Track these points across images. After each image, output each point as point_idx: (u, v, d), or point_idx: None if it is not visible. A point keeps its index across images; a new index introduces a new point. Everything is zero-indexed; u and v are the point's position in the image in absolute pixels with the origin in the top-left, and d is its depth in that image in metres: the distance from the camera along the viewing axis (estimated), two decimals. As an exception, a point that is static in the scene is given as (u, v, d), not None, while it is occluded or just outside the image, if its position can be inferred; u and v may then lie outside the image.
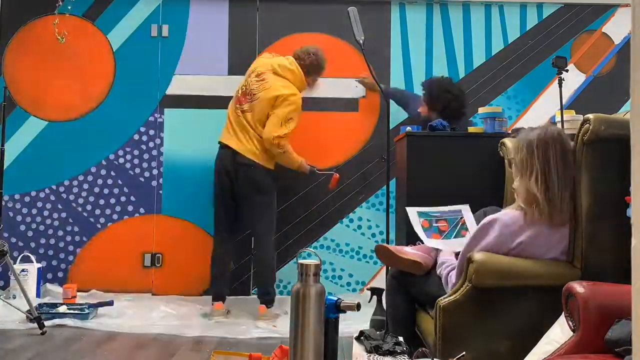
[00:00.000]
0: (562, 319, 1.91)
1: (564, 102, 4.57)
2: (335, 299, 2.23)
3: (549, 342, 1.90)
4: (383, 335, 2.95)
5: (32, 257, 4.17)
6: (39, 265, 4.17)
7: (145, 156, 4.54)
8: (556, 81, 4.61)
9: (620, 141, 1.99)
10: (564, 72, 3.01)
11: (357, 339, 2.99)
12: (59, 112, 4.55)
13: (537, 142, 2.24)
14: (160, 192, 4.52)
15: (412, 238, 2.90)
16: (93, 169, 4.53)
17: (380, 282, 4.43)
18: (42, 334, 3.21)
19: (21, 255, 4.22)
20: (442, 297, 2.23)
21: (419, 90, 4.31)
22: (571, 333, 1.80)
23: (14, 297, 3.92)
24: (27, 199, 4.50)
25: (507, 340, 2.14)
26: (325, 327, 2.16)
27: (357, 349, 2.81)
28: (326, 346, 2.15)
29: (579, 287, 1.76)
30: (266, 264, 3.98)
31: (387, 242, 3.38)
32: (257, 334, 3.38)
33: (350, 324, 3.50)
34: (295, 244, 4.51)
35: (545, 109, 4.56)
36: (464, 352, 1.95)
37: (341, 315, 2.23)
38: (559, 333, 1.89)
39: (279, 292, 4.43)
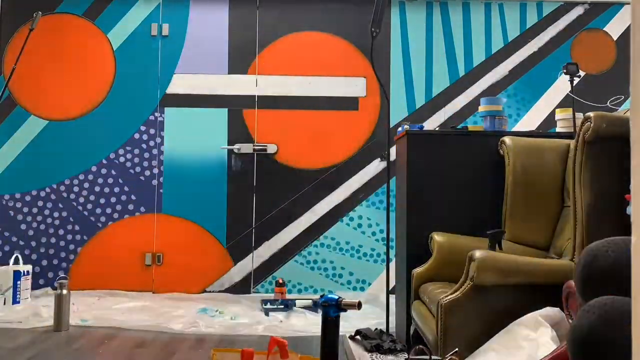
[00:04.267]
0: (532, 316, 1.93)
1: (560, 100, 4.60)
2: (336, 297, 2.24)
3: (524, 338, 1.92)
4: (379, 333, 2.96)
5: (20, 258, 4.11)
6: (27, 267, 4.12)
7: (146, 155, 4.55)
8: (556, 80, 4.65)
9: (621, 139, 1.99)
10: (576, 77, 3.02)
11: (352, 338, 2.99)
12: (59, 112, 4.56)
13: None
14: (161, 191, 4.53)
15: (412, 237, 2.91)
16: (93, 168, 4.53)
17: (381, 281, 4.44)
18: None
19: (13, 257, 4.15)
20: (443, 295, 2.24)
21: (419, 88, 4.33)
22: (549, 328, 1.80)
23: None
24: (27, 198, 4.50)
25: (507, 338, 2.13)
26: (326, 326, 2.17)
27: (355, 348, 2.82)
28: (326, 345, 2.15)
29: (579, 285, 1.76)
30: None
31: (388, 241, 3.39)
32: (258, 332, 3.38)
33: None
34: (295, 243, 4.51)
35: (546, 107, 4.58)
36: (456, 349, 1.96)
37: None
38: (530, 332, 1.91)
39: (279, 290, 4.44)
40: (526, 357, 1.85)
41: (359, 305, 2.20)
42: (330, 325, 2.17)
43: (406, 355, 2.60)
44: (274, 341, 2.08)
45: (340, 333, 3.20)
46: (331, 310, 2.18)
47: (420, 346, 2.39)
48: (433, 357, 2.11)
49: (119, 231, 4.52)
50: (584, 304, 1.26)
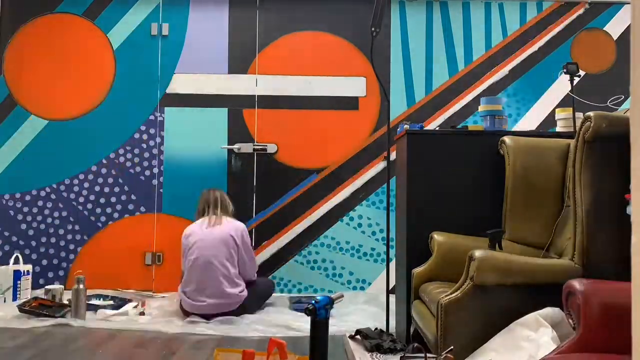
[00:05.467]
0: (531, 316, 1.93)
1: (560, 99, 4.60)
2: (327, 297, 2.23)
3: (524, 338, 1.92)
4: (379, 333, 2.96)
5: (20, 258, 4.13)
6: (27, 267, 4.13)
7: (146, 155, 4.55)
8: (556, 79, 4.64)
9: (621, 138, 1.99)
10: (576, 77, 3.01)
11: (352, 337, 2.99)
12: (59, 111, 4.56)
13: None
14: (161, 190, 4.53)
15: (412, 236, 2.91)
16: (94, 168, 4.53)
17: (381, 281, 4.44)
18: None
19: (13, 256, 4.15)
20: (443, 295, 2.23)
21: (419, 88, 4.33)
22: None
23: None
24: (27, 197, 4.51)
25: (507, 338, 2.13)
26: (316, 328, 2.16)
27: (355, 348, 2.82)
28: (316, 347, 2.14)
29: (579, 285, 1.76)
30: None
31: (388, 241, 3.38)
32: (258, 333, 3.38)
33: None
34: (295, 242, 4.51)
35: (546, 107, 4.58)
36: (451, 347, 1.96)
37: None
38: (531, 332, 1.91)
39: (279, 290, 4.45)
40: (526, 358, 1.85)
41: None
42: (320, 328, 2.16)
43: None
44: (274, 342, 2.08)
45: (340, 333, 3.21)
46: (322, 312, 2.17)
47: (417, 344, 2.39)
48: (428, 355, 2.12)
49: (119, 231, 4.52)
50: None
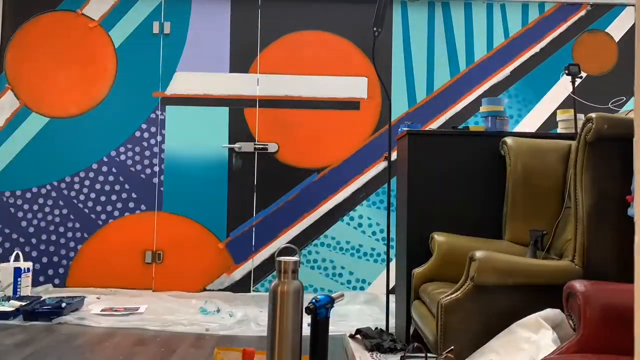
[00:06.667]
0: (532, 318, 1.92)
1: (561, 101, 4.60)
2: (328, 296, 2.24)
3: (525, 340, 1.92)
4: (380, 332, 2.96)
5: (20, 255, 4.12)
6: (28, 264, 4.13)
7: (147, 153, 4.55)
8: (558, 81, 4.64)
9: (622, 140, 2.00)
10: (577, 78, 3.01)
11: (353, 337, 3.00)
12: (60, 109, 4.56)
13: None
14: (162, 189, 4.53)
15: (412, 236, 2.91)
16: (94, 166, 4.53)
17: (381, 281, 4.44)
18: None
19: (14, 254, 4.15)
20: (443, 295, 2.23)
21: (420, 88, 4.32)
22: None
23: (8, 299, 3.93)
24: (28, 195, 4.51)
25: (507, 339, 2.13)
26: (316, 327, 2.16)
27: (355, 347, 2.82)
28: (317, 346, 2.15)
29: (579, 286, 1.76)
30: None
31: (388, 241, 3.39)
32: (258, 331, 3.38)
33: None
34: (296, 242, 4.52)
35: (547, 108, 4.58)
36: (452, 347, 1.96)
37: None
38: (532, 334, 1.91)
39: (279, 289, 4.45)
40: (527, 359, 1.85)
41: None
42: (320, 327, 2.17)
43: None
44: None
45: (341, 332, 3.22)
46: (323, 311, 2.18)
47: (417, 344, 2.40)
48: (429, 355, 2.12)
49: (119, 229, 4.53)
50: None
